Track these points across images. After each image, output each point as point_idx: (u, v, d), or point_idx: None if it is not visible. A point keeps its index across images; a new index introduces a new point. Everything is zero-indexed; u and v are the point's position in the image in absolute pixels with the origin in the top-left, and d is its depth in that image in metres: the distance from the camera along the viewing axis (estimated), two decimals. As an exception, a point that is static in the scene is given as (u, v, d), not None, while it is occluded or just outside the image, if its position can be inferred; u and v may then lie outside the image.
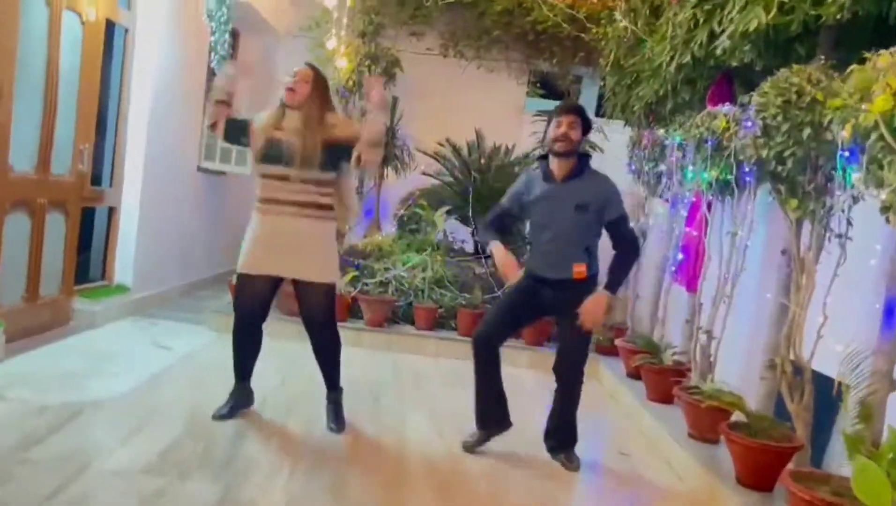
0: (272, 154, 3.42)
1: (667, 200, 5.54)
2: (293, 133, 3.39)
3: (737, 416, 3.57)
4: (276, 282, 3.57)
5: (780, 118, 3.02)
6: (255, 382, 3.78)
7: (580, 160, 3.49)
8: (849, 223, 2.99)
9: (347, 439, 3.54)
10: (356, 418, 3.78)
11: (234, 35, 7.71)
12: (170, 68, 5.81)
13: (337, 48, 7.51)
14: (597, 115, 8.72)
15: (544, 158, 3.56)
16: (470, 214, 6.93)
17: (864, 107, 2.29)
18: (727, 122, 4.11)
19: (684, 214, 4.95)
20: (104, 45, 5.10)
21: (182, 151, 6.35)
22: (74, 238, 4.97)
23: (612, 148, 7.33)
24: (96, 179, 5.37)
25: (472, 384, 3.60)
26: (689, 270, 4.76)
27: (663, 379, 4.32)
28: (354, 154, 3.42)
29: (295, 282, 3.54)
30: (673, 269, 5.00)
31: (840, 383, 2.69)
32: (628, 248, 3.50)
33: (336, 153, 3.44)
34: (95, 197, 5.29)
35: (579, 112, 3.47)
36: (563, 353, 3.51)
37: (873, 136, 2.24)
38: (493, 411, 3.57)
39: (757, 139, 3.17)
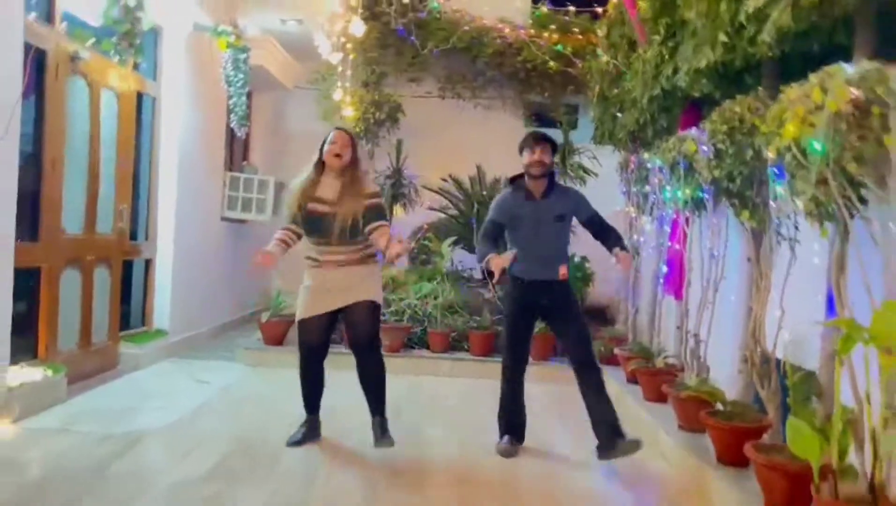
0: (312, 227, 3.79)
1: (653, 218, 6.01)
2: (332, 205, 3.72)
3: (720, 407, 3.99)
4: (330, 321, 3.88)
5: (727, 143, 3.51)
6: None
7: (549, 177, 4.08)
8: (796, 228, 3.46)
9: (375, 449, 3.99)
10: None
11: (248, 95, 8.35)
12: (192, 131, 6.41)
13: (343, 98, 8.11)
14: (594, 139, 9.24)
15: (514, 180, 4.11)
16: (475, 243, 7.41)
17: (780, 132, 2.77)
18: (695, 145, 4.59)
19: (668, 229, 5.41)
20: (136, 113, 5.70)
21: (207, 203, 6.92)
22: (118, 289, 5.52)
23: (605, 172, 7.78)
24: (133, 235, 5.93)
25: (487, 398, 4.06)
26: (675, 280, 5.21)
27: (656, 380, 4.74)
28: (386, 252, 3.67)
29: (345, 313, 3.85)
30: (661, 281, 5.45)
31: (785, 363, 3.12)
32: (612, 228, 4.10)
33: (367, 219, 3.77)
34: (134, 251, 5.84)
35: (547, 139, 4.08)
36: (574, 344, 3.98)
37: (787, 155, 2.72)
38: (518, 421, 4.10)
39: (710, 161, 3.66)
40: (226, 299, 7.45)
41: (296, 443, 3.93)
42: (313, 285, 3.86)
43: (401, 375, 5.95)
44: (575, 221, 4.19)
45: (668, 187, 5.09)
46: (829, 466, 2.47)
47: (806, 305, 3.52)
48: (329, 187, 3.82)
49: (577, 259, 8.25)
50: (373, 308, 3.88)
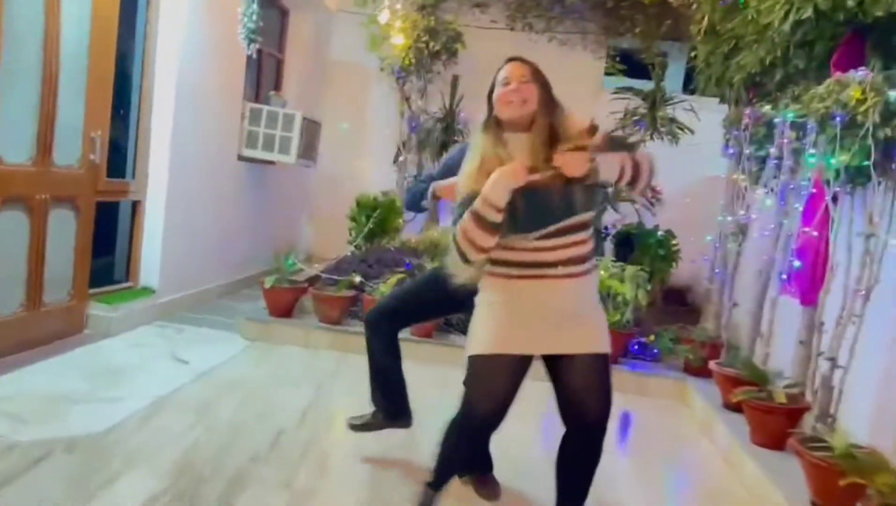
0: (535, 217, 2.18)
1: (773, 190, 4.58)
2: (543, 171, 2.16)
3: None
4: (524, 368, 2.32)
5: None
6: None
7: None
8: None
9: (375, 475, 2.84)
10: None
11: (284, 13, 7.16)
12: (200, 46, 5.22)
13: (391, 22, 6.82)
14: (685, 91, 7.80)
15: None
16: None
17: None
18: (862, 91, 3.20)
19: (799, 208, 3.99)
20: (122, 16, 4.53)
21: (218, 137, 5.78)
22: (87, 236, 4.44)
23: (704, 129, 6.45)
24: (119, 171, 4.85)
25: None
26: (807, 279, 3.82)
27: (774, 421, 3.41)
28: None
29: (552, 361, 2.35)
30: (784, 276, 4.06)
31: None
32: None
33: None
34: (115, 190, 4.76)
35: None
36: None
37: None
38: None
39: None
40: (239, 253, 6.36)
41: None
42: (510, 310, 2.28)
43: (428, 364, 4.69)
44: None
45: (811, 150, 3.66)
46: None
47: None
48: (519, 148, 2.23)
49: (660, 234, 6.92)
50: (605, 366, 2.33)
